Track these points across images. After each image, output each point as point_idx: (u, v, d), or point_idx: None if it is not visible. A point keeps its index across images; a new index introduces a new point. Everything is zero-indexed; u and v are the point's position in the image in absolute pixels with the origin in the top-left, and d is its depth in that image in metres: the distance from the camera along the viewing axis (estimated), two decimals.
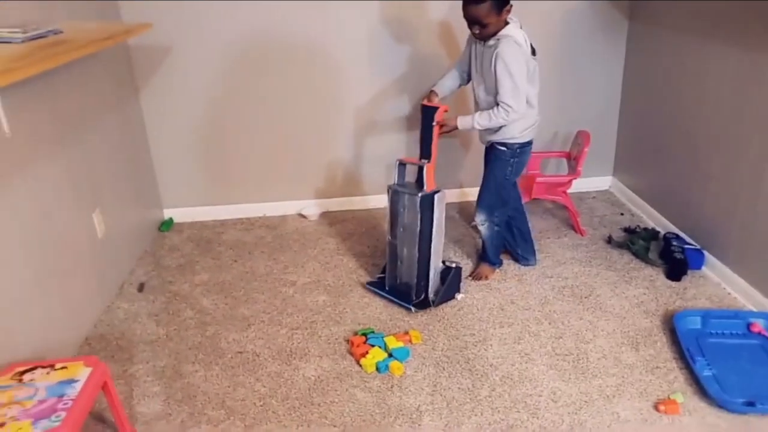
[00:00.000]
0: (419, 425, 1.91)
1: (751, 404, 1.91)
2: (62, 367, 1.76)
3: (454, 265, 2.51)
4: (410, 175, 2.50)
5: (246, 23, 3.02)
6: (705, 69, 2.63)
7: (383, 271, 2.63)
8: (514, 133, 2.42)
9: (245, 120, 3.23)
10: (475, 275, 2.71)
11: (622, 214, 3.27)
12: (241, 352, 2.29)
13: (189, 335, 2.40)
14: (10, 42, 1.86)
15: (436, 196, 2.38)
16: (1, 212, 1.90)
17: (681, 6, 2.77)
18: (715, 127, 2.59)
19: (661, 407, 1.92)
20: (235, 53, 3.08)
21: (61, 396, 1.64)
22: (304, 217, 3.40)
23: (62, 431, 1.53)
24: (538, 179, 2.97)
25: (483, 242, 2.70)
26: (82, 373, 1.73)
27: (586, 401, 1.99)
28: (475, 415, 1.94)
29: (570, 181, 3.01)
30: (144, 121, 3.18)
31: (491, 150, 2.52)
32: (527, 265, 2.78)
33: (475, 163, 3.28)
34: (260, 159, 3.34)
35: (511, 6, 2.25)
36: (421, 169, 2.41)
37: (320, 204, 3.45)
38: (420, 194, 2.37)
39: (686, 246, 2.70)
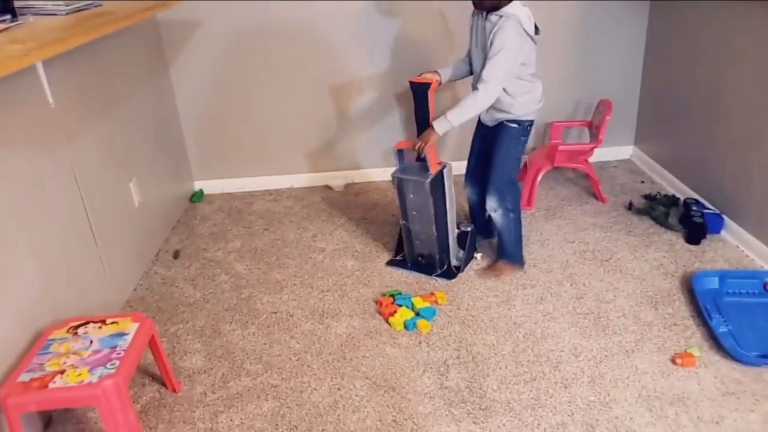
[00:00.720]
0: (447, 377, 2.02)
1: (764, 357, 1.99)
2: (112, 322, 1.89)
3: (469, 228, 2.60)
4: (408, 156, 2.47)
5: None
6: (729, 35, 2.65)
7: (397, 252, 2.69)
8: (527, 109, 2.35)
9: (272, 94, 3.32)
10: (488, 270, 2.55)
11: (642, 181, 3.32)
12: (275, 313, 2.41)
13: (225, 298, 2.53)
14: (55, 14, 1.97)
15: (444, 173, 2.40)
16: (49, 180, 2.02)
17: None
18: (736, 93, 2.62)
19: (678, 360, 2.01)
20: (263, 27, 3.16)
21: (114, 347, 1.77)
22: (330, 188, 3.50)
23: (117, 377, 1.65)
24: (561, 147, 3.02)
25: (499, 234, 2.52)
26: (130, 327, 1.86)
27: (606, 355, 2.07)
28: (500, 369, 2.04)
29: (592, 150, 3.06)
30: (174, 94, 3.29)
31: (498, 128, 2.40)
32: (513, 262, 2.55)
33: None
34: (287, 132, 3.43)
35: None
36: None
37: (345, 176, 3.54)
38: (428, 179, 2.33)
39: (705, 211, 2.75)
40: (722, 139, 2.74)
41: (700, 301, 2.24)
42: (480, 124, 2.53)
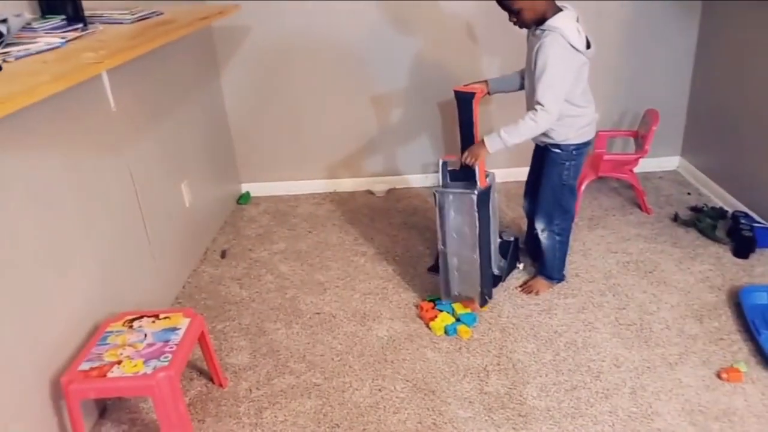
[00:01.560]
0: (486, 383, 2.04)
1: None
2: (165, 317, 1.97)
3: (512, 238, 2.59)
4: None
5: (323, 5, 3.17)
6: None
7: (437, 258, 2.47)
8: (569, 134, 2.23)
9: (317, 100, 3.40)
10: (525, 288, 2.52)
11: (689, 193, 3.27)
12: (318, 313, 2.47)
13: (270, 297, 2.60)
14: (121, 23, 2.07)
15: (492, 187, 2.32)
16: (108, 181, 2.13)
17: None
18: None
19: (724, 375, 1.98)
20: (311, 35, 3.24)
21: (167, 341, 1.85)
22: (372, 193, 3.56)
23: (170, 370, 1.73)
24: (605, 157, 3.00)
25: (542, 253, 2.49)
26: (182, 322, 1.94)
27: (648, 367, 2.06)
28: (540, 376, 2.05)
29: (637, 160, 3.04)
30: (224, 99, 3.40)
31: (545, 151, 2.33)
32: (550, 279, 2.52)
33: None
34: (331, 138, 3.51)
35: None
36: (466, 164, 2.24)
37: (387, 181, 3.59)
38: (475, 192, 2.18)
39: (755, 224, 2.69)
40: None
41: (748, 315, 2.20)
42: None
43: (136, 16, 2.09)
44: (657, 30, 3.23)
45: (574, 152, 2.28)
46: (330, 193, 3.61)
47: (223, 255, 2.98)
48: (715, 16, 3.10)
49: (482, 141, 2.19)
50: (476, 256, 2.26)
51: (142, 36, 1.88)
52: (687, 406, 1.89)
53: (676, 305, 2.37)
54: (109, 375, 1.71)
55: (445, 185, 2.29)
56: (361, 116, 3.45)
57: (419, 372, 2.11)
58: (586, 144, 2.31)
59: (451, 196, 2.24)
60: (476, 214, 2.20)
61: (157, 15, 2.17)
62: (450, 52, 3.28)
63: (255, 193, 3.63)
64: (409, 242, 2.97)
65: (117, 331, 1.91)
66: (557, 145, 2.28)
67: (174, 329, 1.90)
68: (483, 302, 2.35)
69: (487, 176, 2.32)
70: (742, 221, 2.69)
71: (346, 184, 3.62)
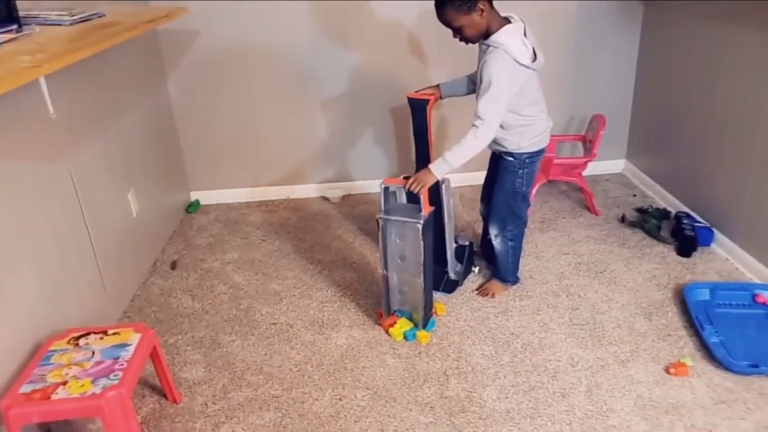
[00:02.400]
0: (447, 387, 2.04)
1: (755, 366, 2.03)
2: (114, 333, 1.89)
3: (466, 243, 2.63)
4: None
5: (278, 7, 3.12)
6: (721, 51, 2.71)
7: None
8: (521, 143, 2.24)
9: (269, 105, 3.35)
10: (481, 291, 2.54)
11: (634, 195, 3.38)
12: (275, 324, 2.42)
13: (224, 309, 2.54)
14: (59, 24, 1.97)
15: (442, 187, 2.34)
16: (49, 191, 2.03)
17: None
18: (727, 110, 2.69)
19: (672, 370, 2.05)
20: (262, 39, 3.19)
21: (117, 358, 1.77)
22: (326, 199, 3.53)
23: (121, 388, 1.66)
24: (555, 161, 3.07)
25: (495, 257, 2.51)
26: (133, 337, 1.86)
27: (602, 365, 2.11)
28: (499, 378, 2.07)
29: (586, 163, 3.12)
30: (171, 104, 3.31)
31: (499, 159, 2.34)
32: (505, 282, 2.55)
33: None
34: (283, 143, 3.46)
35: (487, 1, 2.04)
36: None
37: (342, 187, 3.56)
38: (420, 220, 2.11)
39: (696, 224, 2.81)
40: (712, 154, 2.81)
41: (693, 312, 2.29)
42: None
43: (75, 17, 2.00)
44: (601, 35, 3.34)
45: (527, 160, 2.30)
46: (283, 200, 3.56)
47: (174, 266, 2.89)
48: (656, 21, 3.23)
49: (428, 168, 2.15)
50: (420, 281, 2.21)
51: (84, 39, 1.80)
52: (639, 402, 1.95)
53: (626, 304, 2.44)
54: (54, 397, 1.62)
55: (387, 210, 2.21)
56: (313, 122, 3.42)
57: (379, 379, 2.09)
58: (540, 152, 2.32)
59: (395, 224, 2.18)
60: (422, 243, 2.14)
61: (99, 17, 2.09)
62: (400, 58, 3.29)
63: (205, 201, 3.54)
64: (365, 248, 2.96)
65: (61, 350, 1.81)
66: (511, 154, 2.29)
67: (124, 345, 1.82)
68: (425, 323, 2.30)
69: (442, 182, 2.33)
70: (684, 221, 2.81)
71: (300, 191, 3.58)
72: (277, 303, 2.56)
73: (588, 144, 3.18)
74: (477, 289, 2.57)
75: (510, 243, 2.47)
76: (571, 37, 3.31)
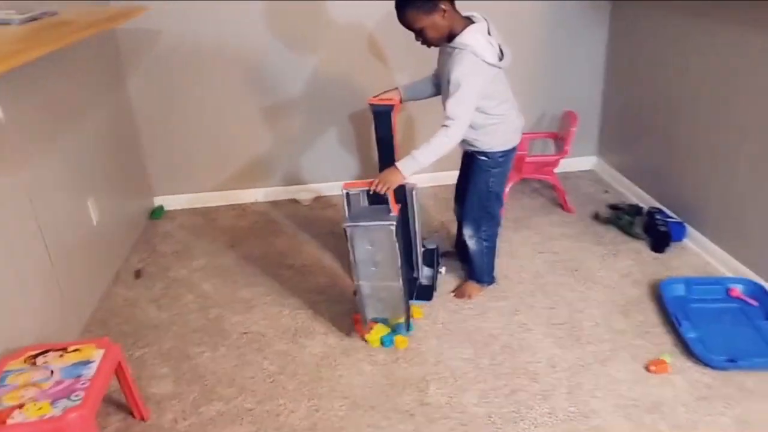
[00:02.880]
0: (426, 393, 1.99)
1: (732, 361, 2.03)
2: (75, 350, 1.78)
3: (433, 246, 2.58)
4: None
5: (239, 6, 3.02)
6: (689, 46, 2.72)
7: None
8: (493, 142, 2.21)
9: (235, 106, 3.25)
10: (457, 293, 2.50)
11: (606, 191, 3.39)
12: (246, 333, 2.33)
13: (192, 319, 2.44)
14: (7, 23, 1.85)
15: (409, 196, 2.25)
16: (3, 202, 1.91)
17: None
18: (696, 104, 2.70)
19: (652, 367, 2.03)
20: (226, 38, 3.09)
21: (78, 377, 1.67)
22: (296, 202, 3.44)
23: (83, 409, 1.56)
24: (528, 159, 3.05)
25: (470, 258, 2.47)
26: (95, 354, 1.76)
27: (582, 365, 2.09)
28: (479, 383, 2.03)
29: (558, 161, 3.11)
30: (132, 107, 3.17)
31: (471, 158, 2.29)
32: (481, 283, 2.51)
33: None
34: (250, 145, 3.36)
35: (449, 2, 1.99)
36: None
37: (312, 189, 3.48)
38: (392, 222, 1.99)
39: (668, 219, 2.82)
40: (682, 150, 2.82)
41: (669, 307, 2.28)
42: None
43: (25, 16, 1.88)
44: (569, 32, 3.33)
45: (500, 159, 2.26)
46: (251, 203, 3.46)
47: (138, 275, 2.77)
48: (623, 17, 3.23)
49: (395, 166, 2.07)
50: (399, 284, 2.10)
51: (34, 39, 1.69)
52: (621, 402, 1.92)
53: (602, 302, 2.42)
54: (10, 422, 1.51)
55: (352, 217, 2.07)
56: (282, 121, 3.33)
57: (357, 387, 2.03)
58: (512, 150, 2.28)
59: (364, 230, 2.03)
60: (396, 244, 2.02)
61: (51, 15, 1.97)
62: (360, 61, 3.23)
63: (169, 206, 3.42)
64: (338, 252, 2.88)
65: (17, 370, 1.70)
66: (483, 153, 2.25)
67: (86, 363, 1.72)
68: (409, 326, 2.23)
69: (412, 187, 2.25)
70: (657, 217, 2.81)
71: (268, 194, 3.48)
72: (248, 311, 2.47)
73: (560, 141, 3.17)
74: (453, 291, 2.52)
75: (485, 243, 2.43)
76: (539, 34, 3.30)
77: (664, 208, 2.94)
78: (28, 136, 2.10)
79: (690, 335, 2.15)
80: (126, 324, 2.42)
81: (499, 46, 2.08)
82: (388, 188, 2.05)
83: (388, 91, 2.29)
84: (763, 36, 2.27)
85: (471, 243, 2.43)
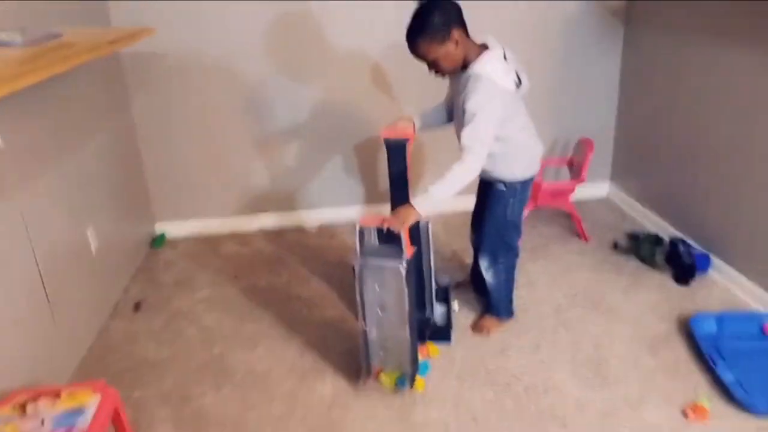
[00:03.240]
0: None
1: None
2: (69, 395, 1.65)
3: (446, 282, 2.46)
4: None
5: (244, 31, 2.95)
6: (706, 69, 2.64)
7: None
8: (513, 171, 2.12)
9: (240, 131, 3.15)
10: (475, 328, 2.37)
11: (623, 220, 3.27)
12: (251, 372, 2.20)
13: (194, 355, 2.30)
14: (9, 45, 1.76)
15: (423, 230, 2.15)
16: None
17: (679, 5, 2.78)
18: (717, 130, 2.61)
19: (690, 413, 1.90)
20: (232, 63, 3.00)
21: (71, 427, 1.53)
22: (302, 229, 3.32)
23: None
24: (544, 186, 2.94)
25: (488, 291, 2.35)
26: (91, 400, 1.62)
27: (612, 408, 1.95)
28: (504, 428, 1.89)
29: (574, 188, 3.00)
30: (135, 131, 3.07)
31: (489, 186, 2.19)
32: (499, 317, 2.39)
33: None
34: (255, 171, 3.26)
35: (462, 30, 1.90)
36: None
37: (318, 216, 3.37)
38: (402, 263, 1.86)
39: (692, 250, 2.70)
40: (705, 177, 2.72)
41: (702, 346, 2.15)
42: None
43: (28, 38, 1.78)
44: (582, 58, 3.25)
45: (519, 187, 2.16)
46: (256, 230, 3.34)
47: (137, 307, 2.64)
48: (636, 43, 3.16)
49: (410, 204, 1.94)
50: (406, 333, 1.94)
51: (37, 61, 1.59)
52: None
53: (628, 337, 2.29)
54: None
55: (363, 254, 1.92)
56: (285, 151, 3.23)
57: None
58: (531, 179, 2.19)
59: (374, 269, 1.90)
60: (405, 290, 1.87)
61: (55, 37, 1.87)
62: (366, 91, 3.14)
63: (171, 234, 3.30)
64: (348, 282, 2.74)
65: (5, 418, 1.57)
66: (502, 181, 2.15)
67: (80, 410, 1.58)
68: (413, 381, 2.04)
69: (425, 223, 2.13)
70: (681, 248, 2.69)
71: (274, 221, 3.37)
72: (253, 348, 2.33)
73: (575, 167, 3.07)
74: (471, 326, 2.39)
75: (503, 276, 2.32)
76: (551, 60, 3.21)
77: (687, 238, 2.82)
78: (26, 161, 2.00)
79: (728, 377, 2.01)
80: (125, 360, 2.28)
81: (516, 72, 1.99)
82: (401, 226, 1.90)
83: (401, 119, 2.17)
84: None
85: (488, 275, 2.31)
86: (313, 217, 3.37)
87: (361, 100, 3.17)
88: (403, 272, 1.86)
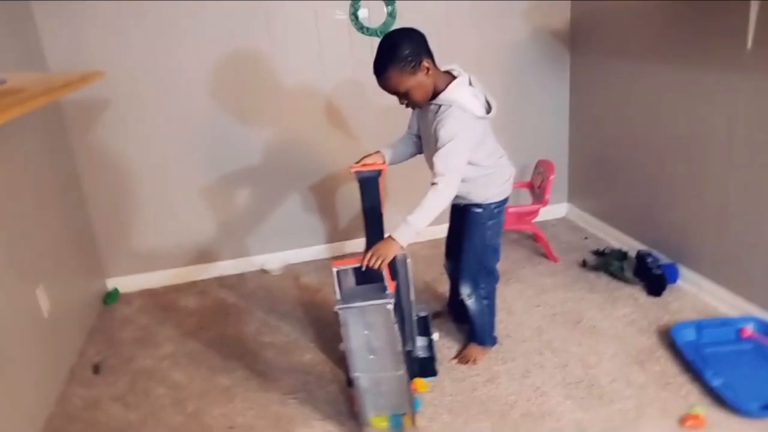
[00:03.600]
0: None
1: (767, 407, 1.92)
2: None
3: (424, 313, 2.39)
4: None
5: (189, 72, 2.86)
6: (651, 86, 2.76)
7: None
8: (488, 194, 2.10)
9: (188, 177, 3.02)
10: (461, 357, 2.31)
11: (586, 238, 3.32)
12: (232, 428, 2.04)
13: (166, 416, 2.12)
14: None
15: (405, 262, 2.06)
16: None
17: (616, 33, 2.94)
18: (671, 143, 2.70)
19: (688, 423, 1.88)
20: (180, 106, 2.90)
21: None
22: (266, 272, 3.19)
23: None
24: (509, 210, 2.94)
25: (471, 319, 2.29)
26: None
27: (612, 427, 1.92)
28: None
29: (538, 210, 3.03)
30: (81, 184, 2.90)
31: (464, 212, 2.15)
32: (484, 345, 2.33)
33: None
34: (209, 216, 3.12)
35: (430, 59, 1.89)
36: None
37: (281, 257, 3.25)
38: (391, 301, 1.78)
39: (660, 262, 2.75)
40: (664, 189, 2.80)
41: (687, 355, 2.17)
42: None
43: None
44: (530, 83, 3.33)
45: (495, 210, 2.14)
46: (216, 278, 3.19)
47: (96, 370, 2.43)
48: (582, 68, 3.27)
49: (390, 237, 1.89)
50: (402, 372, 1.86)
51: None
52: None
53: (614, 354, 2.28)
54: None
55: (345, 298, 1.83)
56: (241, 194, 3.13)
57: None
58: (506, 201, 2.17)
59: (359, 312, 1.79)
60: (395, 326, 1.79)
61: (1, 83, 1.73)
62: (320, 129, 3.11)
63: (125, 288, 3.10)
64: (322, 322, 2.65)
65: None
66: (478, 205, 2.12)
67: None
68: (414, 420, 1.96)
69: (401, 258, 2.06)
70: (649, 260, 2.74)
71: (233, 266, 3.22)
72: (230, 401, 2.18)
73: (538, 190, 3.10)
74: (455, 357, 2.33)
75: (484, 302, 2.27)
76: (501, 86, 3.26)
77: (651, 250, 2.88)
78: None
79: (716, 383, 2.02)
80: (89, 430, 2.08)
81: (485, 96, 2.00)
82: (383, 262, 1.84)
83: (369, 155, 2.10)
84: (717, 74, 2.30)
85: (470, 303, 2.26)
86: (274, 259, 3.24)
87: (316, 138, 3.12)
88: (391, 308, 1.78)
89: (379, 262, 1.83)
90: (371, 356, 1.85)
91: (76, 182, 2.86)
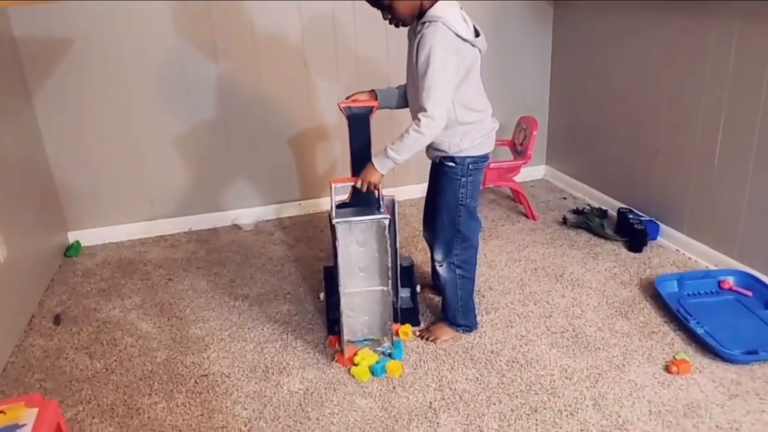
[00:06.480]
0: (437, 423, 1.70)
1: (750, 353, 1.92)
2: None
3: (409, 263, 2.28)
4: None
5: (159, 11, 2.69)
6: (636, 42, 2.72)
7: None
8: (464, 144, 1.88)
9: (159, 124, 2.87)
10: (423, 332, 2.11)
11: (564, 198, 3.30)
12: (205, 375, 1.94)
13: (135, 365, 2.01)
14: None
15: (393, 205, 1.99)
16: None
17: None
18: (654, 102, 2.67)
19: (674, 368, 1.87)
20: (146, 49, 2.73)
21: None
22: (238, 227, 3.07)
23: None
24: (491, 165, 2.89)
25: (443, 290, 2.10)
26: (26, 415, 1.33)
27: (599, 373, 1.89)
28: (493, 404, 1.77)
29: (520, 166, 2.99)
30: (40, 130, 2.71)
31: (439, 167, 1.96)
32: (455, 326, 2.11)
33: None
34: (178, 169, 2.98)
35: None
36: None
37: (253, 213, 3.13)
38: (387, 216, 1.82)
39: (642, 218, 2.74)
40: (645, 148, 2.78)
41: (671, 304, 2.16)
42: None
43: None
44: (512, 40, 3.25)
45: (471, 166, 1.91)
46: (185, 232, 3.05)
47: (57, 320, 2.29)
48: (565, 21, 3.21)
49: (371, 163, 1.83)
50: (388, 289, 1.88)
51: None
52: (653, 408, 1.73)
53: (597, 305, 2.26)
54: None
55: (342, 213, 1.84)
56: (212, 146, 2.98)
57: (355, 425, 1.70)
58: (484, 158, 1.95)
59: (355, 226, 1.81)
60: (388, 242, 1.81)
61: None
62: (297, 81, 2.98)
63: (88, 242, 2.93)
64: (297, 276, 2.55)
65: None
66: (451, 158, 1.91)
67: (14, 427, 1.29)
68: (397, 344, 1.98)
69: (389, 199, 1.99)
70: (630, 217, 2.73)
71: (204, 221, 3.09)
72: (203, 350, 2.08)
73: (519, 147, 3.05)
74: (421, 331, 2.12)
75: (458, 271, 2.02)
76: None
77: (633, 208, 2.86)
78: None
79: (700, 331, 2.02)
80: (49, 379, 1.95)
81: (474, 26, 1.85)
82: (373, 185, 1.81)
83: (360, 92, 1.96)
84: (711, 23, 2.26)
85: (442, 270, 2.05)
86: (247, 214, 3.12)
87: (293, 90, 2.99)
88: (387, 224, 1.81)
89: (369, 187, 1.83)
90: (361, 273, 1.89)
91: (35, 129, 2.67)
